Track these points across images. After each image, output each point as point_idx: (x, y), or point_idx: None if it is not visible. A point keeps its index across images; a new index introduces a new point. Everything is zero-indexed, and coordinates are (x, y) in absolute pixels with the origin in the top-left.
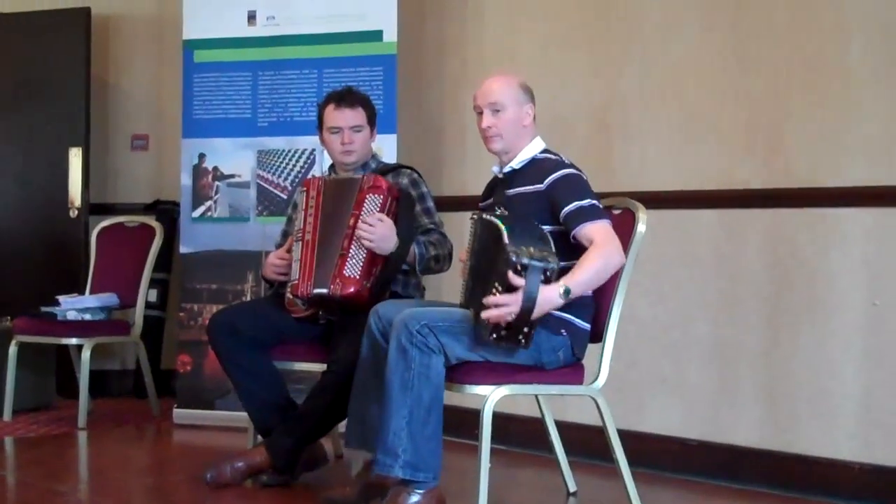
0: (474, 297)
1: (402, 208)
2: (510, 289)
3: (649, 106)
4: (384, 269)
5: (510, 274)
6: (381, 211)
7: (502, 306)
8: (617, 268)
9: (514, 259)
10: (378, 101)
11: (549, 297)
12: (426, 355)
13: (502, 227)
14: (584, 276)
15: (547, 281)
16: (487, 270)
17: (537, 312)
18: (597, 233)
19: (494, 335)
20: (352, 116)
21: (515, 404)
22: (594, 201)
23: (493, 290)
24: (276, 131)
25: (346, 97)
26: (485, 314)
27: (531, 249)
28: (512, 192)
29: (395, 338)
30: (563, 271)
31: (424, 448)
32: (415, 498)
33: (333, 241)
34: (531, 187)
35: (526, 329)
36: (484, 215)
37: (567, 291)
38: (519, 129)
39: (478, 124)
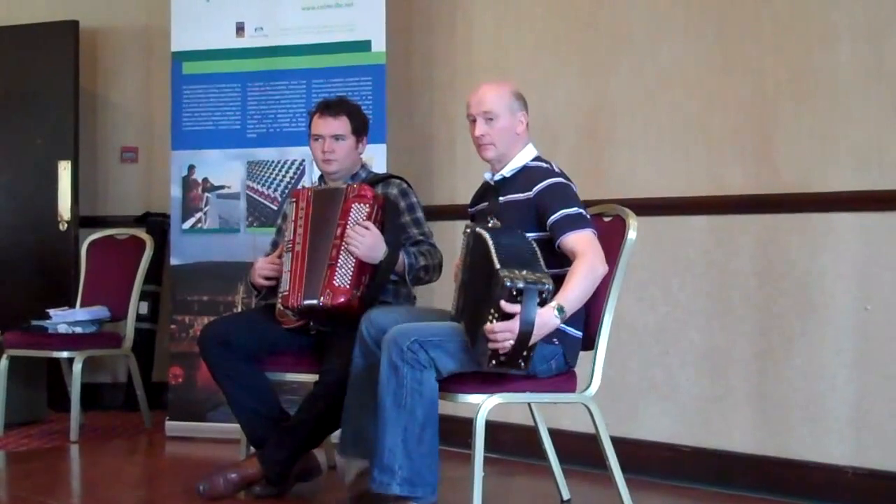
0: (466, 312)
1: (389, 216)
2: (506, 316)
3: (638, 113)
4: (374, 278)
5: (503, 303)
6: (368, 219)
7: (500, 334)
8: (602, 277)
9: (508, 285)
10: (367, 111)
11: (546, 319)
12: (418, 371)
13: (490, 243)
14: (574, 293)
15: (542, 303)
16: (480, 291)
17: (535, 337)
18: (579, 242)
19: (494, 362)
20: (334, 125)
21: (508, 412)
22: (580, 210)
23: (490, 319)
24: (265, 142)
25: (333, 106)
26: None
27: (524, 272)
28: (503, 199)
29: (385, 355)
30: (554, 281)
31: (421, 464)
32: None
33: (322, 252)
34: (521, 195)
35: (525, 353)
36: (477, 228)
37: (561, 310)
38: (512, 136)
39: (471, 132)
